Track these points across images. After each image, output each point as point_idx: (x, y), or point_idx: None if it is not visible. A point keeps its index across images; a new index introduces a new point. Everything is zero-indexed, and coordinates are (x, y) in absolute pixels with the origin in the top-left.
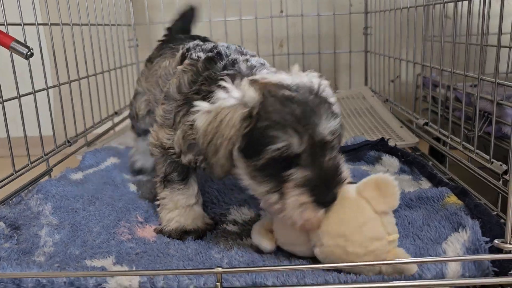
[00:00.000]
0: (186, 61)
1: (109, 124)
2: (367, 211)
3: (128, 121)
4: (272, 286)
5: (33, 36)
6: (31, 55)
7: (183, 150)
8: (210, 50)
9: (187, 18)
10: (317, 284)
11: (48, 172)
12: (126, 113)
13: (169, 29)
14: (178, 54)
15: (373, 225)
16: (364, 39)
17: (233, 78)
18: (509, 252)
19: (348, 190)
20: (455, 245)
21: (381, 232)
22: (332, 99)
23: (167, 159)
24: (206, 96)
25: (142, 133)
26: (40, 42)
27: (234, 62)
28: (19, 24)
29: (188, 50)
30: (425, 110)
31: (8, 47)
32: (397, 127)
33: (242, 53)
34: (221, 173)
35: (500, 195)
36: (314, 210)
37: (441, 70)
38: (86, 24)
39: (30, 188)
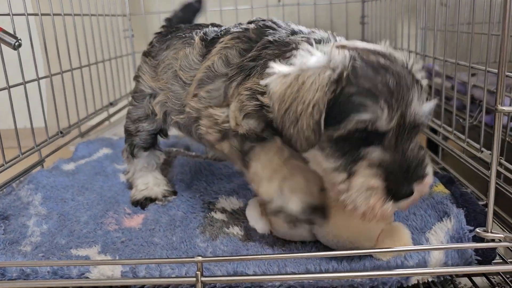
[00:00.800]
0: (226, 37)
1: (104, 115)
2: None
3: (124, 112)
4: (253, 275)
5: (24, 27)
6: (19, 45)
7: (239, 123)
8: (254, 21)
9: (191, 9)
10: (299, 273)
11: (40, 163)
12: (122, 103)
13: (168, 20)
14: (196, 41)
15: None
16: (361, 28)
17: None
18: (490, 241)
19: None
20: (439, 234)
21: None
22: (424, 83)
23: (230, 137)
24: (269, 61)
25: (144, 143)
26: (30, 33)
27: (298, 32)
28: (8, 15)
29: (206, 34)
30: None
31: None
32: None
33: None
34: (306, 146)
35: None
36: (383, 199)
37: (442, 61)
38: (79, 15)
39: (22, 179)
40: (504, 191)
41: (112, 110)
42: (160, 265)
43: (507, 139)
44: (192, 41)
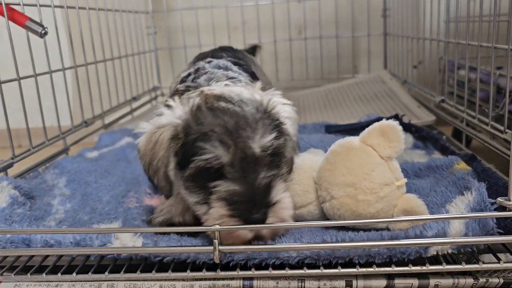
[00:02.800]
0: None
1: (127, 109)
2: (374, 157)
3: (146, 108)
4: (270, 244)
5: (51, 19)
6: (46, 33)
7: None
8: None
9: None
10: (315, 243)
11: (65, 150)
12: (144, 98)
13: None
14: None
15: (381, 171)
16: (383, 22)
17: (191, 90)
18: None
19: (353, 141)
20: (459, 206)
21: (390, 177)
22: (285, 119)
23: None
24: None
25: None
26: (56, 24)
27: (197, 76)
28: (35, 5)
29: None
30: (449, 95)
31: (23, 25)
32: (414, 107)
33: (222, 68)
34: (166, 192)
35: None
36: (240, 222)
37: (465, 45)
38: (103, 9)
39: (48, 164)
40: None
41: (135, 105)
42: (180, 238)
43: None
44: None
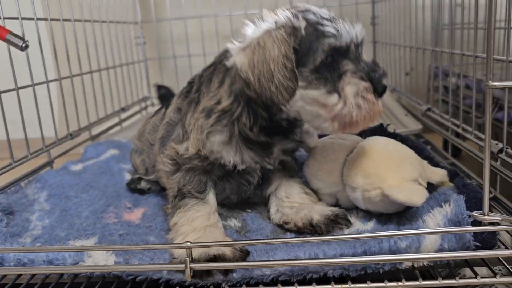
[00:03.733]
0: (175, 98)
1: (116, 120)
2: None
3: (136, 118)
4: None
5: (34, 31)
6: (27, 46)
7: (202, 146)
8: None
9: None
10: (288, 260)
11: (49, 163)
12: (134, 109)
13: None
14: (162, 110)
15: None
16: (372, 29)
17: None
18: (488, 224)
19: None
20: (437, 217)
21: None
22: None
23: (185, 169)
24: (211, 80)
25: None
26: (40, 37)
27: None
28: (17, 18)
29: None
30: (438, 102)
31: (4, 39)
32: (402, 115)
33: None
34: (288, 96)
35: (498, 176)
36: (375, 96)
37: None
38: (89, 21)
39: (31, 178)
40: (509, 180)
41: (124, 115)
42: (153, 257)
43: None
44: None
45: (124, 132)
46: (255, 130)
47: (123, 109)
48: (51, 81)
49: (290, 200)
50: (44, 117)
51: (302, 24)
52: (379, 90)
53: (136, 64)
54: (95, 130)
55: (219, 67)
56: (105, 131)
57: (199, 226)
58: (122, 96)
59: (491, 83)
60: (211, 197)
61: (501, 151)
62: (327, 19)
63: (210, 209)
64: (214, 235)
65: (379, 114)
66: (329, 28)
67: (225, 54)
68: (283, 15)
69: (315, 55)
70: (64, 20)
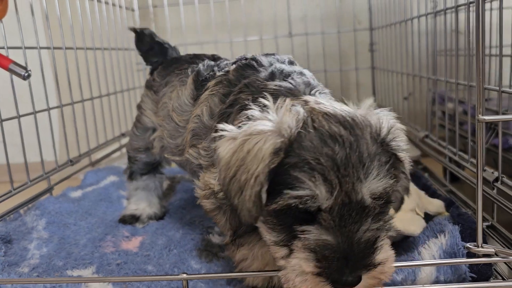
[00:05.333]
0: (212, 82)
1: (116, 145)
2: None
3: None
4: None
5: (37, 59)
6: (29, 76)
7: None
8: (240, 59)
9: (145, 37)
10: None
11: (48, 190)
12: None
13: (148, 52)
14: (189, 81)
15: None
16: (370, 56)
17: (287, 93)
18: (483, 256)
19: None
20: (432, 248)
21: None
22: (401, 152)
23: (226, 210)
24: (244, 108)
25: (142, 170)
26: (42, 65)
27: (285, 74)
28: (20, 48)
29: (198, 74)
30: (439, 127)
31: (6, 68)
32: None
33: (285, 63)
34: (248, 218)
35: (495, 204)
36: (320, 286)
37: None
38: (91, 49)
39: (30, 205)
40: (506, 208)
41: (124, 140)
42: (150, 285)
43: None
44: (186, 79)
45: (124, 158)
46: None
47: (123, 135)
48: (53, 108)
49: None
50: (45, 142)
51: (285, 147)
52: (336, 283)
53: (138, 89)
54: (96, 156)
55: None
56: (105, 157)
57: (270, 260)
58: (122, 122)
59: (481, 117)
60: None
61: (496, 179)
62: (329, 157)
63: None
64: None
65: None
66: (307, 178)
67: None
68: (287, 119)
69: (275, 198)
70: (66, 48)
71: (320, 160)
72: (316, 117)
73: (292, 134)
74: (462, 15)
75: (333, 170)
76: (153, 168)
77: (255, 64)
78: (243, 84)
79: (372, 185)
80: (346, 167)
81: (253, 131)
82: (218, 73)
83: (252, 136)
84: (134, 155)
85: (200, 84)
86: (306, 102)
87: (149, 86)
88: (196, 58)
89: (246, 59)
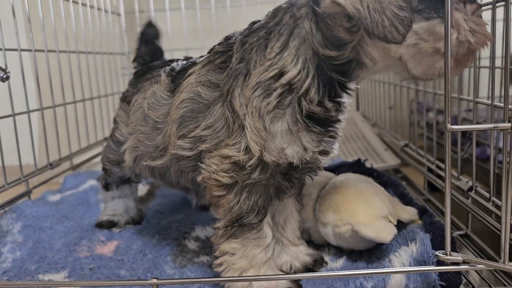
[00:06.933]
0: (196, 67)
1: (99, 149)
2: None
3: None
4: None
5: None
6: (7, 77)
7: (265, 141)
8: (211, 49)
9: (149, 37)
10: None
11: (27, 193)
12: None
13: (137, 60)
14: (162, 77)
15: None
16: None
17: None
18: (451, 264)
19: None
20: (402, 256)
21: None
22: None
23: (244, 186)
24: (261, 46)
25: (117, 183)
26: (23, 68)
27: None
28: (0, 49)
29: (172, 69)
30: (419, 136)
31: None
32: (381, 150)
33: None
34: (403, 29)
35: (470, 214)
36: None
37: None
38: (75, 52)
39: (7, 209)
40: (480, 218)
41: None
42: None
43: (496, 171)
44: (159, 78)
45: None
46: (327, 104)
47: (106, 139)
48: (33, 111)
49: (284, 234)
50: (24, 145)
51: None
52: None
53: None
54: (77, 160)
55: (276, 28)
56: (87, 161)
57: (259, 262)
58: (106, 126)
59: (449, 126)
60: (267, 224)
61: (471, 189)
62: None
63: (268, 241)
64: (272, 271)
65: (490, 39)
66: None
67: (281, 12)
68: None
69: None
70: (49, 51)
71: None
72: None
73: None
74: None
75: None
76: (128, 180)
77: (227, 37)
78: (241, 36)
79: None
80: None
81: None
82: (198, 60)
83: None
84: (110, 167)
85: (175, 76)
86: None
87: (123, 98)
88: (169, 62)
89: (219, 44)
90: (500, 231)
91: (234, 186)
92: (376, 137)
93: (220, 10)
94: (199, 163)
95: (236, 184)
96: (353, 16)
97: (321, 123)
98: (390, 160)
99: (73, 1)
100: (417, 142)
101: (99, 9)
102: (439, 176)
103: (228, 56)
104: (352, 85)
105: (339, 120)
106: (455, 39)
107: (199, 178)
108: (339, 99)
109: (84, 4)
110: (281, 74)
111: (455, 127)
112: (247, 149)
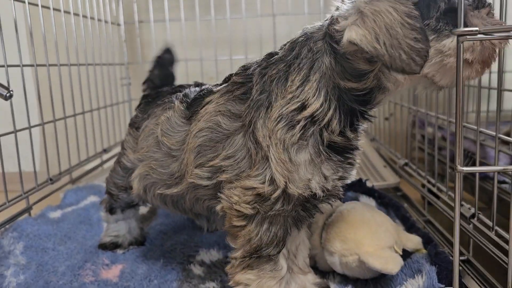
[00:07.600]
0: (215, 96)
1: (98, 161)
2: None
3: None
4: None
5: (20, 76)
6: (11, 96)
7: (290, 173)
8: (229, 77)
9: (164, 62)
10: None
11: (27, 210)
12: (116, 150)
13: (147, 82)
14: (176, 104)
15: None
16: None
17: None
18: None
19: None
20: None
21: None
22: None
23: (265, 218)
24: (281, 78)
25: (122, 207)
26: (25, 83)
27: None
28: (3, 66)
29: (185, 95)
30: (419, 151)
31: None
32: (380, 167)
33: None
34: (420, 60)
35: (471, 240)
36: None
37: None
38: (75, 65)
39: (8, 226)
40: (483, 245)
41: (105, 157)
42: None
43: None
44: (172, 104)
45: (105, 174)
46: (348, 134)
47: (105, 150)
48: (34, 126)
49: (295, 261)
50: (25, 159)
51: None
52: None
53: (121, 104)
54: (76, 173)
55: (295, 62)
56: (86, 173)
57: None
58: (105, 137)
59: (459, 167)
60: (282, 255)
61: (473, 216)
62: None
63: (283, 273)
64: None
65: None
66: None
67: (298, 45)
68: None
69: (437, 3)
70: (50, 65)
71: None
72: None
73: None
74: None
75: None
76: (136, 205)
77: (244, 67)
78: (259, 69)
79: None
80: None
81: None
82: (215, 89)
83: (374, 3)
84: (117, 193)
85: (191, 103)
86: None
87: (131, 123)
88: (179, 87)
89: (236, 74)
90: (506, 263)
91: (255, 217)
92: (375, 153)
93: (220, 22)
94: (218, 193)
95: (258, 214)
96: (371, 54)
97: (341, 151)
98: (390, 179)
99: (74, 14)
100: (418, 155)
101: (99, 20)
102: (438, 197)
103: (248, 87)
104: (373, 112)
105: (357, 148)
106: (479, 45)
107: (218, 207)
108: (360, 127)
109: (85, 16)
110: (303, 106)
111: (465, 168)
112: (271, 181)
